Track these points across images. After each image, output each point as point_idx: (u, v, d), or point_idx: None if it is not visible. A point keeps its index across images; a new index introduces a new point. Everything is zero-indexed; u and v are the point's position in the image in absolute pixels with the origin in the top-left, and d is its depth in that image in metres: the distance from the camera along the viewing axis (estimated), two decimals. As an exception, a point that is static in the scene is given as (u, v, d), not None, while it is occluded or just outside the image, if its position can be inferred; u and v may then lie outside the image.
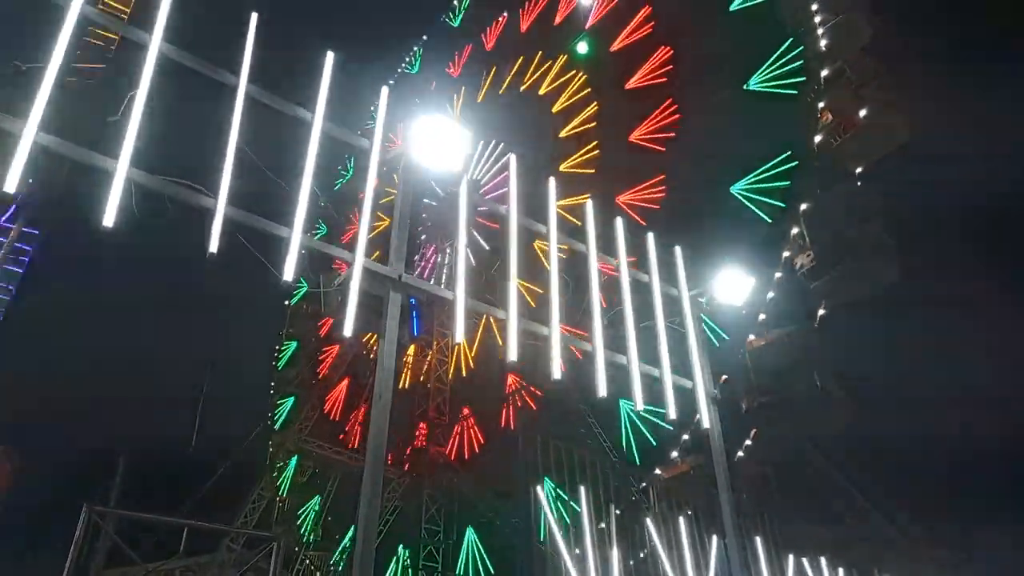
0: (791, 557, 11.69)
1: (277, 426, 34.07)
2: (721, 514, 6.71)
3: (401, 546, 25.01)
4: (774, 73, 22.85)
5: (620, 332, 6.95)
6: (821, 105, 20.66)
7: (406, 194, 6.88)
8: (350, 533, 27.29)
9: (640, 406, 6.45)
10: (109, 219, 5.75)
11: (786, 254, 19.29)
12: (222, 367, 33.60)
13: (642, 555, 10.75)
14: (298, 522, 29.95)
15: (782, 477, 16.10)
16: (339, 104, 7.28)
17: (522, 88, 33.59)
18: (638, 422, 21.11)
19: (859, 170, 19.91)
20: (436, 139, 6.94)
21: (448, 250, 30.80)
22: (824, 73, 21.09)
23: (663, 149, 25.35)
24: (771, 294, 18.46)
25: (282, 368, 38.28)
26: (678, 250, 7.74)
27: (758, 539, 11.26)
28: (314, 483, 30.32)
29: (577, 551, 9.91)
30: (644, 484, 12.18)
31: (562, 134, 29.93)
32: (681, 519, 11.13)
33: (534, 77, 33.25)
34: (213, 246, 6.10)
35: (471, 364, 28.27)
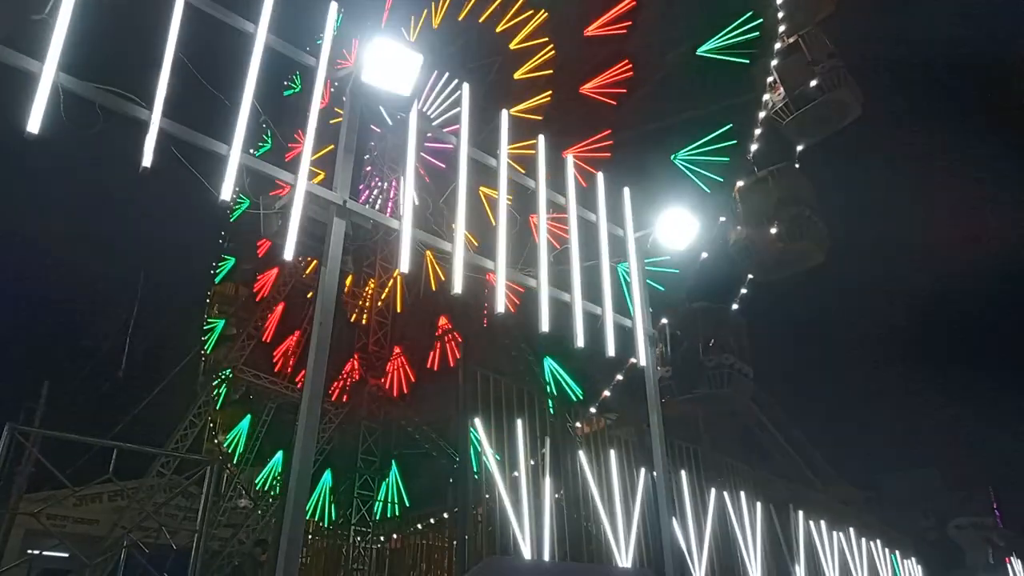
0: (713, 490, 12.29)
1: (210, 349, 33.32)
2: (651, 449, 6.94)
3: (329, 471, 25.29)
4: (729, 41, 22.57)
5: (564, 269, 6.99)
6: (771, 80, 20.34)
7: (354, 117, 6.66)
8: (278, 456, 27.42)
9: (580, 343, 6.55)
10: (34, 126, 5.39)
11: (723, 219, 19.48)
12: (155, 286, 32.53)
13: (573, 487, 11.10)
14: (229, 444, 29.70)
15: (711, 418, 16.82)
16: (293, 19, 6.93)
17: (481, 19, 32.62)
18: (578, 360, 21.69)
19: (800, 148, 20.06)
20: (389, 62, 6.68)
21: (395, 182, 30.27)
22: (778, 46, 20.71)
23: (615, 103, 25.27)
24: (704, 255, 18.78)
25: (219, 282, 36.95)
26: (626, 191, 7.78)
27: (684, 473, 11.77)
28: (246, 404, 29.91)
29: (511, 481, 10.16)
30: (580, 421, 12.52)
31: (516, 75, 29.39)
32: (613, 453, 11.49)
33: (495, 4, 32.19)
34: (147, 160, 5.81)
35: (406, 299, 28.25)
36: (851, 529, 16.97)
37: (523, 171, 7.86)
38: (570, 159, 7.32)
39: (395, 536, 20.80)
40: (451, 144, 7.10)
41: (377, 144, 30.65)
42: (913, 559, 21.54)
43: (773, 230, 17.99)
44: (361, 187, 30.97)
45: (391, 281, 28.19)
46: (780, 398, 24.86)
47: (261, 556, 14.18)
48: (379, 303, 27.59)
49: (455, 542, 10.43)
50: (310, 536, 21.61)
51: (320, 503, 25.73)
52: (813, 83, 19.29)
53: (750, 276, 18.74)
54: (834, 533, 15.95)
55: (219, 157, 6.28)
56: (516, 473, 9.83)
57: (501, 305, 6.26)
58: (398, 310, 28.33)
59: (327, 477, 25.46)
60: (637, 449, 11.98)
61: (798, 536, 14.17)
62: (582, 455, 11.04)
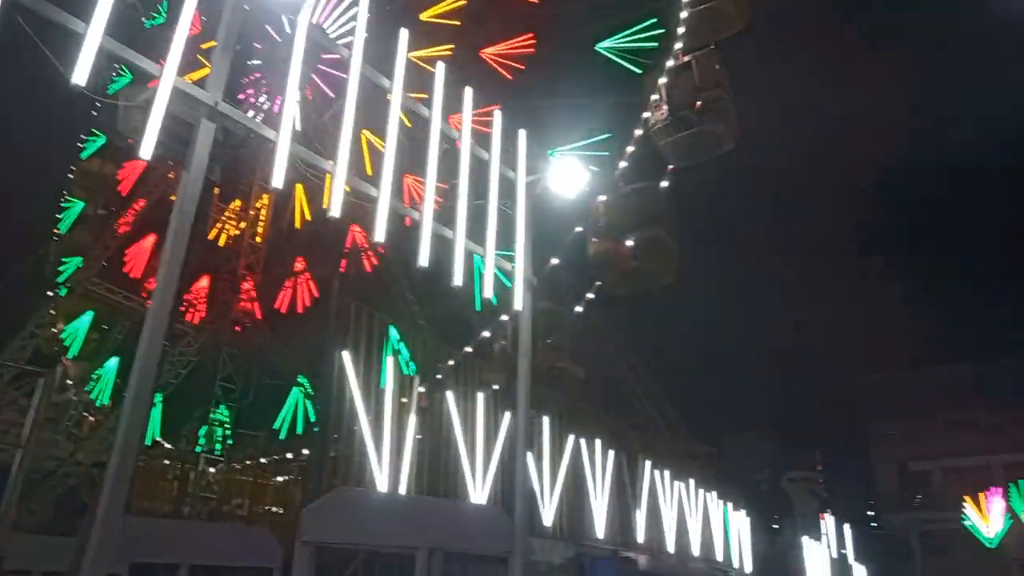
0: (572, 437, 12.72)
1: (64, 230, 29.75)
2: (516, 394, 7.00)
3: (181, 395, 23.96)
4: (628, 44, 21.87)
5: (451, 205, 6.78)
6: (655, 98, 19.34)
7: (235, 9, 6.00)
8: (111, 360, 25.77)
9: (459, 281, 6.41)
10: None
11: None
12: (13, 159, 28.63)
13: (438, 427, 11.14)
14: (67, 339, 27.02)
15: (578, 366, 17.30)
16: None
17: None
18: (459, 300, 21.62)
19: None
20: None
21: (278, 99, 28.36)
22: (670, 63, 19.64)
23: (510, 77, 24.76)
24: (631, 148, 18.90)
25: (85, 158, 32.75)
26: (522, 134, 7.61)
27: (546, 419, 12.09)
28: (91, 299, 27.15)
29: (375, 416, 10.04)
30: (453, 361, 12.55)
31: (422, 16, 28.01)
32: (481, 396, 11.58)
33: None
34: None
35: (285, 224, 26.83)
36: (691, 480, 18.25)
37: (431, 69, 7.44)
38: (468, 92, 7.04)
39: (248, 464, 20.24)
40: (342, 56, 6.59)
41: (262, 57, 28.44)
42: (743, 511, 23.55)
43: (629, 243, 17.58)
44: (244, 96, 28.76)
45: (269, 201, 26.64)
46: (648, 359, 26.11)
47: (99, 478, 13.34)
48: (259, 225, 26.02)
49: (310, 473, 10.24)
50: (144, 460, 20.52)
51: (169, 427, 24.48)
52: (696, 106, 18.60)
53: (598, 283, 18.42)
54: (675, 483, 17.09)
55: (76, 37, 5.51)
56: (381, 408, 9.72)
57: (381, 234, 5.97)
58: (284, 230, 26.93)
59: (176, 401, 24.14)
60: (506, 394, 12.19)
61: (643, 483, 15.06)
62: (450, 396, 11.08)
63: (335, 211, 5.99)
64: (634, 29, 21.36)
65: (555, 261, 16.60)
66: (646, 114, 18.84)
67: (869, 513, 46.61)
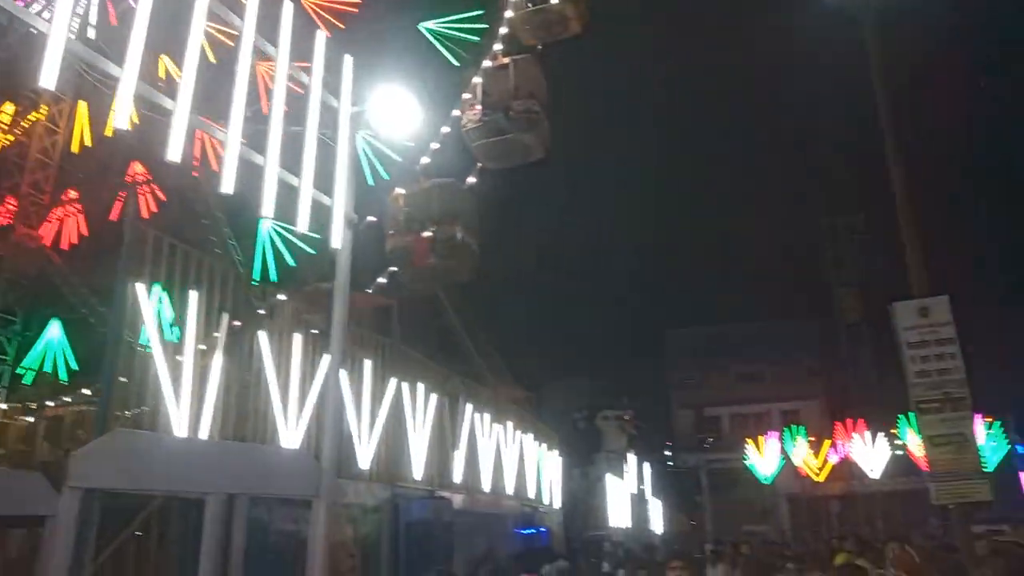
0: (393, 380, 12.61)
1: None
2: (332, 336, 6.70)
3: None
4: (452, 31, 20.42)
5: (263, 128, 6.22)
6: (468, 97, 18.33)
7: None
8: None
9: (268, 212, 5.94)
10: None
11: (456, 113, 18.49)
12: None
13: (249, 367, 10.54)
14: None
15: (408, 311, 17.12)
16: None
17: None
18: (276, 239, 20.44)
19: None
20: None
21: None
22: (487, 64, 18.52)
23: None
24: (435, 145, 18.24)
25: None
26: (348, 60, 7.12)
27: (368, 362, 11.85)
28: None
29: (178, 357, 9.27)
30: (271, 302, 11.84)
31: None
32: (298, 337, 11.11)
33: None
34: None
35: (86, 140, 23.79)
36: (510, 423, 18.93)
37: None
38: (288, 3, 6.43)
39: (29, 404, 18.13)
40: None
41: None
42: (557, 451, 24.92)
43: (427, 233, 16.49)
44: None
45: (65, 117, 23.42)
46: (474, 303, 26.49)
47: None
48: (55, 141, 22.77)
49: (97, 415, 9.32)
50: None
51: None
52: (509, 113, 17.79)
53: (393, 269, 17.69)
54: (494, 426, 17.64)
55: None
56: (181, 345, 8.99)
57: (176, 153, 5.34)
58: (72, 149, 23.75)
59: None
60: (326, 335, 11.76)
61: (463, 426, 15.37)
62: (263, 336, 10.49)
63: (121, 123, 5.26)
64: (459, 16, 19.68)
65: (371, 219, 15.85)
66: (455, 112, 17.93)
67: (667, 453, 51.42)
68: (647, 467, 40.51)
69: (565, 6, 18.30)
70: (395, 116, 7.32)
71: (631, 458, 33.59)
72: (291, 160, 6.78)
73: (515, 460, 19.27)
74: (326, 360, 10.73)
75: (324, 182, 6.69)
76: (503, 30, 18.60)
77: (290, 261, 20.13)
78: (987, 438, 34.67)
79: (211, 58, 12.11)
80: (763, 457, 41.34)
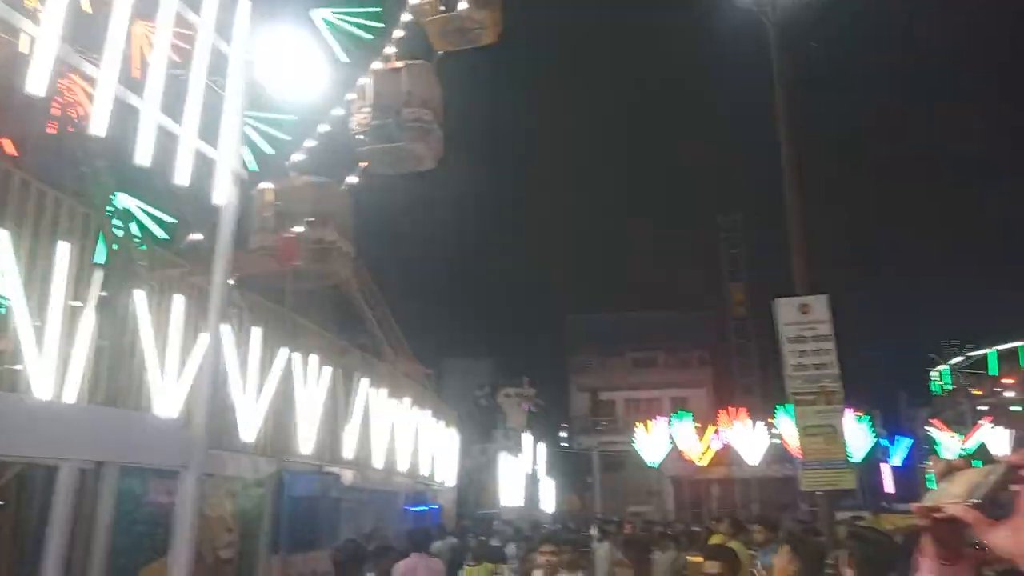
0: (284, 350, 12.13)
1: None
2: (212, 299, 6.29)
3: None
4: (348, 22, 19.09)
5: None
6: (352, 98, 17.33)
7: None
8: None
9: (143, 159, 5.45)
10: None
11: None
12: None
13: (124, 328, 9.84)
14: None
15: (302, 279, 16.50)
16: None
17: None
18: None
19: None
20: None
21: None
22: (376, 65, 17.32)
23: None
24: (311, 142, 16.75)
25: None
26: (244, 3, 6.63)
27: (256, 329, 11.34)
28: None
29: (40, 314, 8.50)
30: (153, 259, 11.06)
31: None
32: (183, 299, 10.47)
33: None
34: None
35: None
36: (407, 399, 18.71)
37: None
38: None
39: None
40: None
41: None
42: (454, 428, 24.91)
43: (295, 230, 15.63)
44: None
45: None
46: (379, 277, 25.96)
47: None
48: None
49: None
50: None
51: None
52: (401, 119, 16.91)
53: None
54: (390, 401, 17.38)
55: None
56: (46, 303, 8.23)
57: (40, 86, 4.79)
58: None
59: None
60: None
61: (356, 401, 15.03)
62: (141, 296, 9.80)
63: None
64: (355, 11, 18.01)
65: (270, 186, 14.79)
66: (336, 111, 16.76)
67: (562, 434, 52.64)
68: (542, 447, 41.29)
69: (482, 14, 17.41)
70: (290, 73, 6.93)
71: (527, 438, 34.09)
72: (177, 108, 6.27)
73: (410, 437, 19.08)
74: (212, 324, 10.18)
75: (211, 135, 6.23)
76: (398, 33, 17.40)
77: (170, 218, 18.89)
78: (858, 431, 37.38)
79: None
80: (651, 441, 42.95)
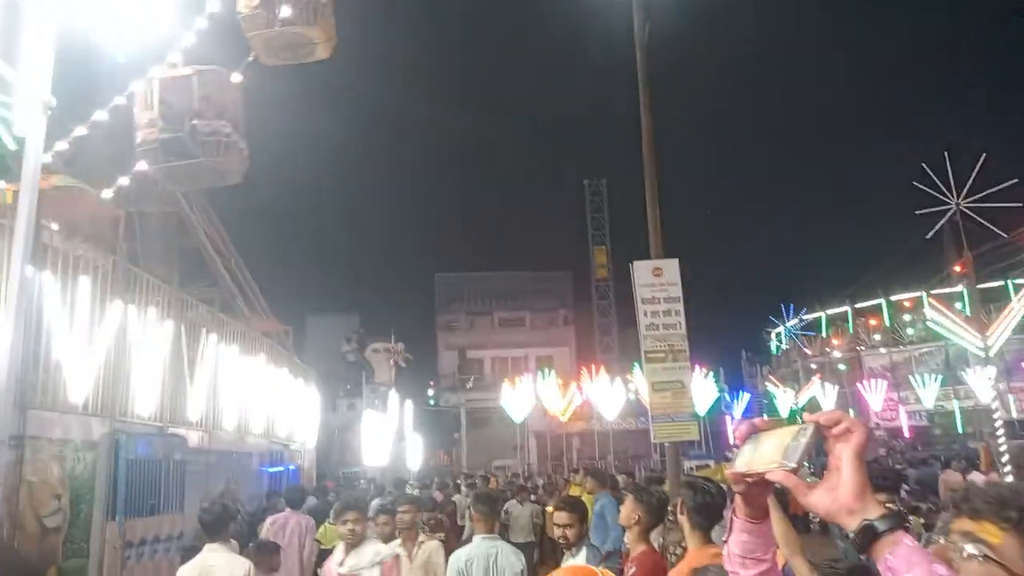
0: (118, 302, 11.11)
1: None
2: (15, 240, 5.53)
3: None
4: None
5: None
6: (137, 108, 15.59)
7: None
8: None
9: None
10: None
11: None
12: None
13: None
14: None
15: (146, 226, 15.17)
16: None
17: None
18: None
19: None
20: None
21: None
22: (160, 73, 15.21)
23: None
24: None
25: None
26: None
27: (84, 279, 10.27)
28: None
29: None
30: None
31: None
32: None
33: None
34: None
35: None
36: (261, 356, 17.88)
37: None
38: None
39: None
40: None
41: None
42: (315, 387, 24.19)
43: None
44: None
45: None
46: (238, 230, 24.46)
47: None
48: None
49: None
50: None
51: None
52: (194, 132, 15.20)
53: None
54: (245, 359, 16.53)
55: None
56: None
57: None
58: None
59: None
60: (56, 251, 9.94)
61: (204, 359, 14.13)
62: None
63: None
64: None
65: (81, 132, 12.86)
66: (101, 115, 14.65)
67: (430, 392, 52.79)
68: (409, 404, 41.20)
69: (313, 31, 15.76)
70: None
71: (394, 394, 33.79)
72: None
73: (266, 397, 18.29)
74: (41, 280, 9.10)
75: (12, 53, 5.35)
76: (190, 37, 14.70)
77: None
78: (705, 386, 40.13)
79: None
80: (517, 398, 43.97)
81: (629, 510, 4.84)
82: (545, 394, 44.05)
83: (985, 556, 1.35)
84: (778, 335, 51.45)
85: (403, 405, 34.32)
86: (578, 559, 5.13)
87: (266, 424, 18.37)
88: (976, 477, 19.10)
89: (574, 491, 13.06)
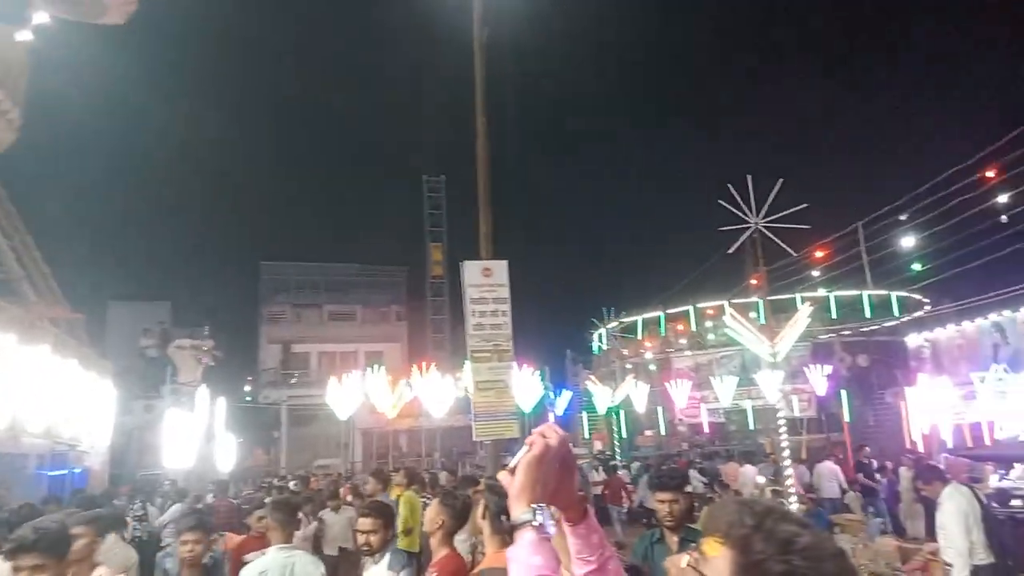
0: None
1: None
2: None
3: None
4: None
5: None
6: None
7: None
8: None
9: None
10: None
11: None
12: None
13: None
14: None
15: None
16: None
17: None
18: None
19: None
20: None
21: None
22: None
23: None
24: None
25: None
26: None
27: None
28: None
29: None
30: None
31: None
32: None
33: None
34: None
35: None
36: (45, 347, 15.86)
37: None
38: None
39: None
40: None
41: None
42: (111, 382, 21.87)
43: None
44: None
45: None
46: (23, 204, 21.51)
47: None
48: None
49: None
50: None
51: None
52: None
53: None
54: (24, 349, 14.55)
55: None
56: None
57: None
58: None
59: None
60: None
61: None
62: None
63: None
64: None
65: None
66: None
67: (248, 388, 49.90)
68: (223, 401, 38.53)
69: None
70: None
71: (204, 391, 31.34)
72: None
73: (49, 392, 16.22)
74: None
75: None
76: None
77: None
78: (532, 384, 41.30)
79: None
80: (344, 394, 42.69)
81: (434, 514, 4.74)
82: (373, 390, 43.16)
83: (692, 567, 1.45)
84: (599, 336, 54.16)
85: (215, 402, 32.06)
86: (379, 567, 4.93)
87: (48, 422, 16.27)
88: (747, 469, 21.22)
89: (394, 492, 12.79)
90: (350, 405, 43.27)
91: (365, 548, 5.02)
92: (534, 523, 1.50)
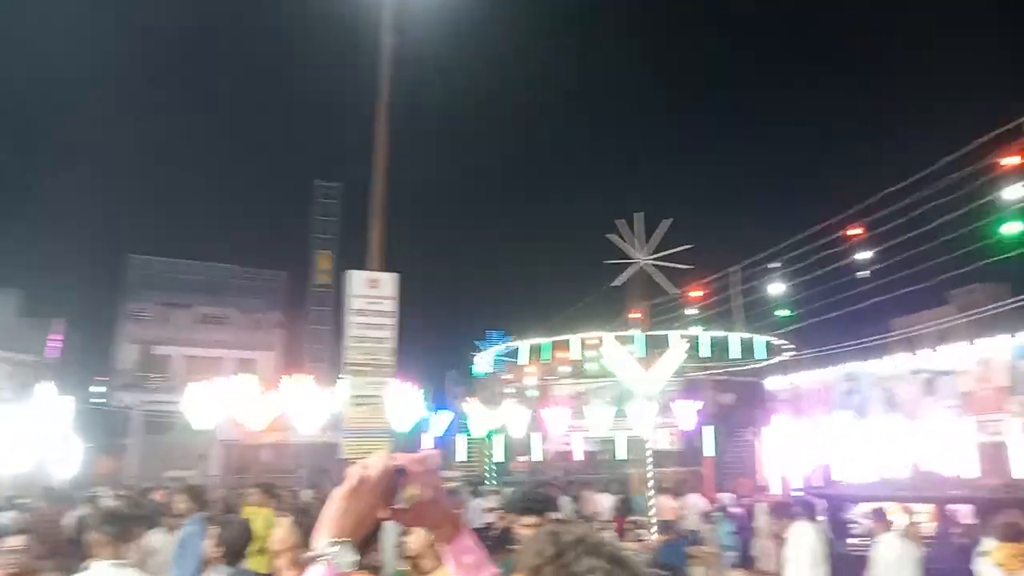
0: None
1: None
2: None
3: None
4: None
5: None
6: None
7: None
8: None
9: None
10: None
11: None
12: None
13: None
14: None
15: None
16: None
17: None
18: None
19: None
20: None
21: None
22: None
23: None
24: None
25: None
26: None
27: None
28: None
29: None
30: None
31: None
32: None
33: None
34: None
35: None
36: None
37: None
38: None
39: None
40: None
41: None
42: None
43: None
44: None
45: None
46: None
47: None
48: None
49: None
50: None
51: None
52: None
53: None
54: None
55: None
56: None
57: None
58: None
59: None
60: None
61: None
62: None
63: None
64: None
65: None
66: None
67: (100, 389, 46.10)
68: (69, 403, 35.24)
69: None
70: None
71: (47, 388, 28.49)
72: None
73: None
74: None
75: None
76: None
77: None
78: (414, 403, 40.51)
79: None
80: (205, 402, 40.24)
81: (285, 533, 4.38)
82: (240, 400, 40.90)
83: None
84: (483, 359, 54.32)
85: (59, 402, 29.21)
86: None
87: None
88: (602, 498, 21.89)
89: (247, 511, 11.96)
90: (212, 415, 40.79)
91: None
92: (327, 557, 1.43)
